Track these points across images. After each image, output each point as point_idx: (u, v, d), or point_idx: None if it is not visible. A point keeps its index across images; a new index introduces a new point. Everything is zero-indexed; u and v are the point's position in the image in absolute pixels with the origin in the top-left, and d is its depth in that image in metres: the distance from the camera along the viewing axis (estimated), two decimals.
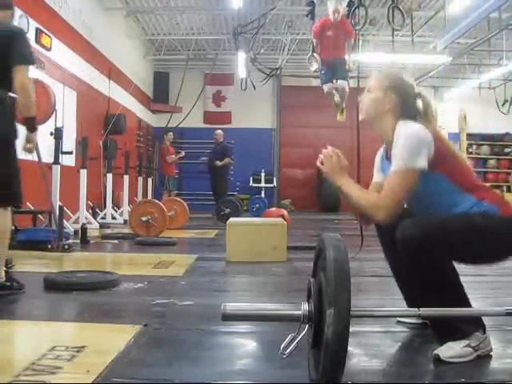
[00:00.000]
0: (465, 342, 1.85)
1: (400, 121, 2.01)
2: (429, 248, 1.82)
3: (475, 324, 1.89)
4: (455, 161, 2.02)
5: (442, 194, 1.96)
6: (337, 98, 5.87)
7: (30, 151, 3.08)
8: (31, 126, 2.98)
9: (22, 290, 2.89)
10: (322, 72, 5.88)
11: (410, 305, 2.20)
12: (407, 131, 1.94)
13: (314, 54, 6.01)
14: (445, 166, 1.94)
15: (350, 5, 5.96)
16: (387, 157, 2.12)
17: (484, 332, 1.89)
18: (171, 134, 10.33)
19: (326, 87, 5.91)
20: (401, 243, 1.86)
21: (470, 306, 1.90)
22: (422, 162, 1.88)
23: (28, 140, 3.02)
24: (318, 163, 2.03)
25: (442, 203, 1.96)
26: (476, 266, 2.11)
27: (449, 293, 1.88)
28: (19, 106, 2.91)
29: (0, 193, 2.78)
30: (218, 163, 9.74)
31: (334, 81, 5.76)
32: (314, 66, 6.06)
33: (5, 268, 2.91)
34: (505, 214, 1.90)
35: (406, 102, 2.06)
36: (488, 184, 13.54)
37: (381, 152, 2.28)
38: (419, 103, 2.07)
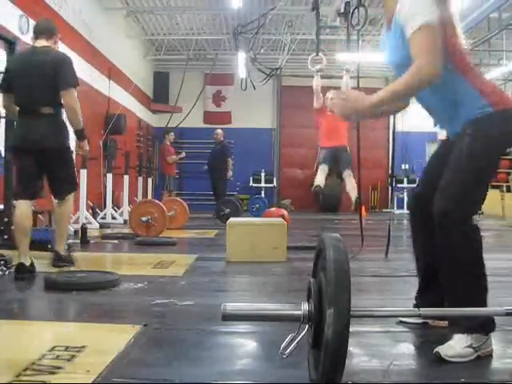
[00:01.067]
0: (466, 343, 1.85)
1: None
2: (467, 211, 1.92)
3: (491, 322, 1.92)
4: (458, 41, 2.00)
5: (446, 83, 1.94)
6: (347, 186, 6.07)
7: (83, 154, 4.11)
8: (80, 135, 3.74)
9: (73, 265, 3.80)
10: (322, 155, 6.03)
11: (429, 294, 2.23)
12: None
13: (320, 54, 6.03)
14: (450, 48, 1.93)
15: (349, 5, 5.97)
16: (389, 28, 2.08)
17: (488, 333, 1.90)
18: (172, 134, 10.33)
19: (321, 166, 6.09)
20: (440, 218, 1.92)
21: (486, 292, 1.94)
22: (434, 13, 1.85)
23: (79, 146, 3.82)
24: (336, 111, 1.96)
25: (448, 98, 1.99)
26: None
27: (476, 273, 1.92)
28: (69, 122, 3.67)
29: (67, 186, 3.75)
30: (224, 164, 9.81)
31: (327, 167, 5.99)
32: (318, 66, 6.09)
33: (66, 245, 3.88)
34: (498, 109, 1.95)
35: None
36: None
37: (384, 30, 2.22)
38: None
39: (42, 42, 3.70)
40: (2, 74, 3.84)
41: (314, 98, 6.46)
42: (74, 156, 3.95)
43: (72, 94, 3.58)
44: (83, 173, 6.88)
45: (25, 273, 3.39)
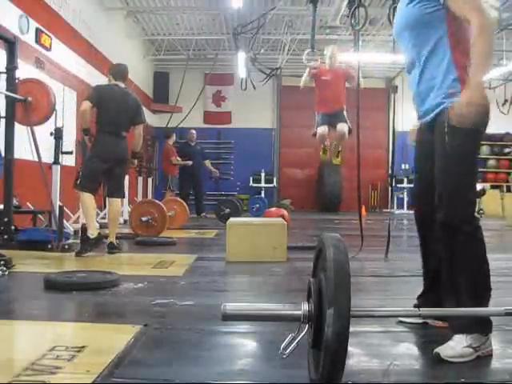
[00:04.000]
0: (466, 343, 1.85)
1: None
2: (471, 210, 1.99)
3: (489, 322, 1.92)
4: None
5: (437, 53, 2.04)
6: (328, 142, 5.92)
7: (134, 166, 5.67)
8: (135, 156, 5.25)
9: (120, 250, 4.92)
10: (319, 117, 5.89)
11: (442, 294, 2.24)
12: None
13: (315, 51, 5.94)
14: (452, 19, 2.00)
15: (349, 5, 5.96)
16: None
17: (487, 333, 1.90)
18: (174, 135, 10.43)
19: (319, 130, 5.90)
20: (440, 227, 1.98)
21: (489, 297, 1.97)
22: None
23: (131, 162, 5.24)
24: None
25: (431, 65, 2.07)
26: None
27: (481, 273, 1.96)
28: (132, 146, 5.15)
29: (122, 190, 5.11)
30: (202, 164, 10.25)
31: (327, 127, 5.82)
32: (312, 62, 6.02)
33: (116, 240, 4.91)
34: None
35: None
36: (488, 184, 13.59)
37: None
38: None
39: (122, 84, 5.01)
40: None
41: (306, 72, 6.13)
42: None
43: (142, 127, 5.15)
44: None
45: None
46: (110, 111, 4.80)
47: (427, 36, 2.07)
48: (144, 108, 14.96)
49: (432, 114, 2.09)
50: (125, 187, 5.20)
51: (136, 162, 5.36)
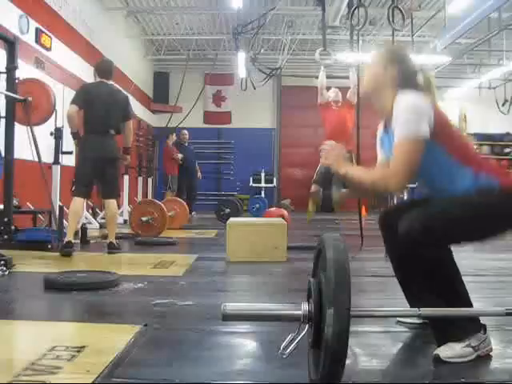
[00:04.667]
0: (465, 342, 1.85)
1: (399, 93, 2.00)
2: (430, 239, 1.82)
3: (477, 324, 1.89)
4: (455, 134, 2.02)
5: (441, 168, 1.95)
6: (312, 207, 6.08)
7: (126, 163, 5.42)
8: (127, 151, 5.13)
9: (120, 250, 4.89)
10: (321, 171, 6.02)
11: (411, 303, 2.20)
12: (407, 100, 1.93)
13: (328, 50, 6.06)
14: (445, 139, 1.93)
15: (349, 5, 5.97)
16: (386, 131, 2.13)
17: (485, 332, 1.89)
18: (175, 134, 10.49)
19: (313, 187, 6.13)
20: (402, 237, 1.86)
21: (470, 304, 1.90)
22: (424, 129, 1.87)
23: (123, 158, 5.13)
24: (321, 158, 2.05)
25: (441, 179, 1.96)
26: (481, 242, 2.07)
27: (449, 290, 1.88)
28: (124, 142, 5.06)
29: (116, 190, 5.05)
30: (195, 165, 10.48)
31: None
32: (328, 61, 6.12)
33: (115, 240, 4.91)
34: (504, 185, 1.89)
35: (407, 76, 2.06)
36: None
37: (380, 129, 2.27)
38: (420, 78, 2.07)
39: (108, 81, 4.91)
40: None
41: (318, 94, 6.44)
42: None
43: (131, 123, 5.05)
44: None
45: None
46: (97, 110, 4.72)
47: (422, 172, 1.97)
48: (144, 108, 14.95)
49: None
50: (119, 187, 5.14)
51: (129, 158, 5.22)
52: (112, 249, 4.81)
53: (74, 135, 4.78)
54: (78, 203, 4.75)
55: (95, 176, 4.83)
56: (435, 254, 1.86)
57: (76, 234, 5.46)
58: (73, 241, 4.60)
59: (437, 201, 1.97)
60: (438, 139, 1.91)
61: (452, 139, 1.98)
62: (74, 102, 4.72)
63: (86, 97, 4.76)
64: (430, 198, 2.02)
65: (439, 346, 1.86)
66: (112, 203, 4.93)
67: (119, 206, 9.23)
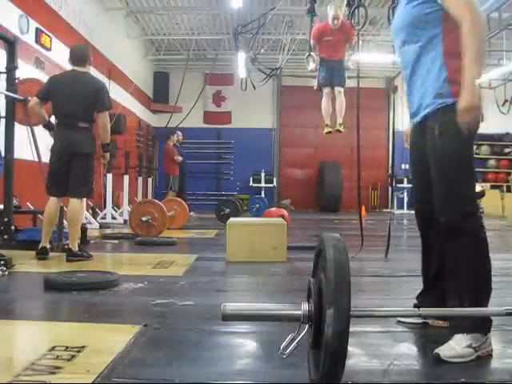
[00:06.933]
0: (466, 343, 1.85)
1: None
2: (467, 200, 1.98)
3: (489, 322, 1.93)
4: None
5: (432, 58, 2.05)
6: (334, 106, 5.97)
7: (104, 161, 4.79)
8: (105, 148, 4.57)
9: (90, 259, 4.23)
10: (322, 74, 5.89)
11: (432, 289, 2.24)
12: None
13: (312, 54, 6.03)
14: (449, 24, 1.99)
15: (349, 5, 5.96)
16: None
17: (487, 333, 1.90)
18: (180, 134, 10.52)
19: (325, 89, 5.97)
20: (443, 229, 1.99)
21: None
22: None
23: (102, 156, 4.62)
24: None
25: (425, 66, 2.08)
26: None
27: (484, 274, 1.96)
28: (100, 137, 4.47)
29: (83, 188, 4.35)
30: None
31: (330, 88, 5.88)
32: (311, 66, 6.08)
33: (78, 241, 4.33)
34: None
35: None
36: (488, 184, 13.59)
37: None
38: None
39: (80, 68, 4.38)
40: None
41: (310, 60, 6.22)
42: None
43: (106, 115, 4.37)
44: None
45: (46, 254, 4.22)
46: (63, 101, 4.27)
47: (421, 35, 2.08)
48: (144, 108, 14.88)
49: (422, 114, 2.11)
50: (91, 185, 4.45)
51: (108, 156, 4.65)
52: (71, 256, 4.17)
53: (46, 127, 4.45)
54: (52, 204, 4.33)
55: (65, 171, 4.30)
56: (476, 225, 1.97)
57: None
58: (48, 246, 4.24)
59: (436, 171, 2.04)
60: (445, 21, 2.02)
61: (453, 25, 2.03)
62: (36, 94, 4.37)
63: (51, 88, 4.35)
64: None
65: (454, 332, 1.90)
66: (75, 202, 4.32)
67: (119, 206, 9.26)
